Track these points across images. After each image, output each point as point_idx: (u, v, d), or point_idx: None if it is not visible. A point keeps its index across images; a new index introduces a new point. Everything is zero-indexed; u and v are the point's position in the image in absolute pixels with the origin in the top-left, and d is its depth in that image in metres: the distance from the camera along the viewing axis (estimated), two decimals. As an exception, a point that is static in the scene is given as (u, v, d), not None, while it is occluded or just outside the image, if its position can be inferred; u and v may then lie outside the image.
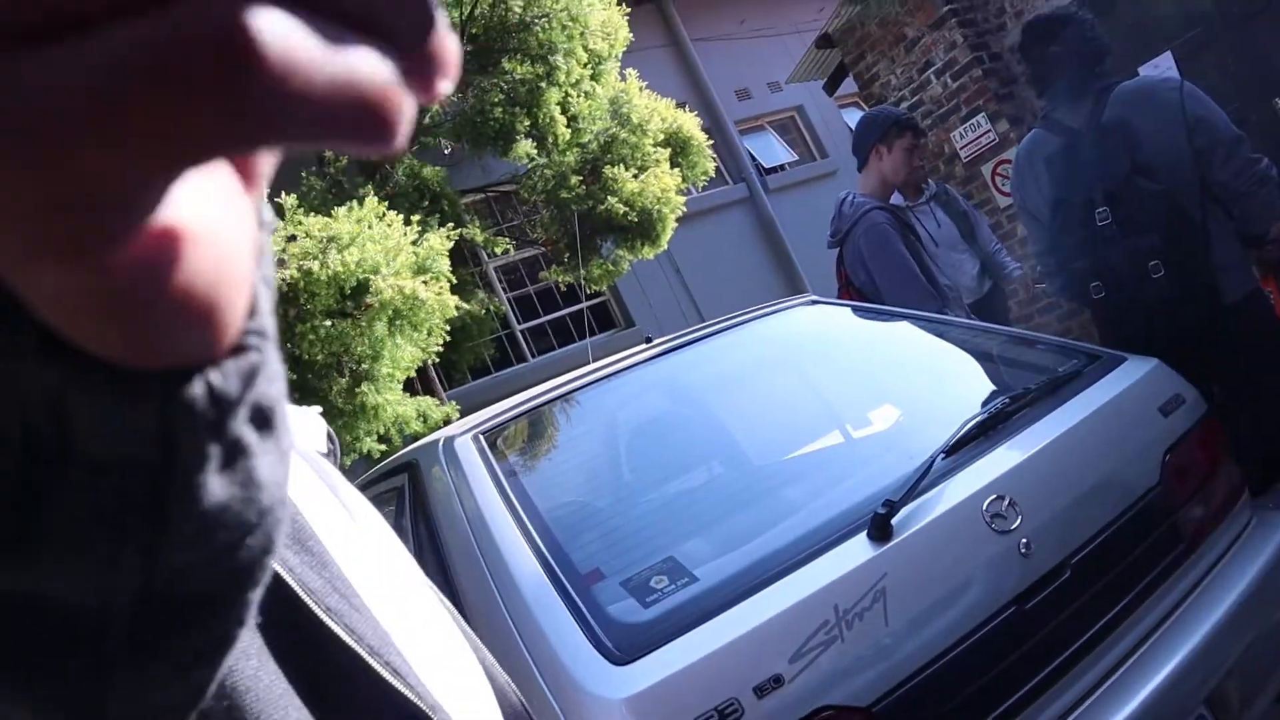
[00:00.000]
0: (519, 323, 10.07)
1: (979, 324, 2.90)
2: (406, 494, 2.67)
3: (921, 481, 1.96)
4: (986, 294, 4.94)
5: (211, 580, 0.28)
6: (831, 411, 2.88)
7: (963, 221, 4.81)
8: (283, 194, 5.00)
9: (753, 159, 11.86)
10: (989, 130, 6.52)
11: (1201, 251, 2.85)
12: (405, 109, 0.21)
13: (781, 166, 12.23)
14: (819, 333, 3.05)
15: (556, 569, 1.95)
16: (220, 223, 0.21)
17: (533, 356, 9.99)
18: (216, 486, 0.26)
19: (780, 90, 11.54)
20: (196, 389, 0.24)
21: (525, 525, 2.08)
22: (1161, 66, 6.00)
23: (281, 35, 0.18)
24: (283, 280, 4.63)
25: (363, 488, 3.38)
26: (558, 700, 1.77)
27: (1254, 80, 5.70)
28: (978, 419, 2.17)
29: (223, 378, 0.24)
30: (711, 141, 8.32)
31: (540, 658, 1.84)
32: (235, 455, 0.26)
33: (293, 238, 4.79)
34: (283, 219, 4.88)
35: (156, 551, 0.26)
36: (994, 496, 1.95)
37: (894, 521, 1.88)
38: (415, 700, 0.62)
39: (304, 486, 0.74)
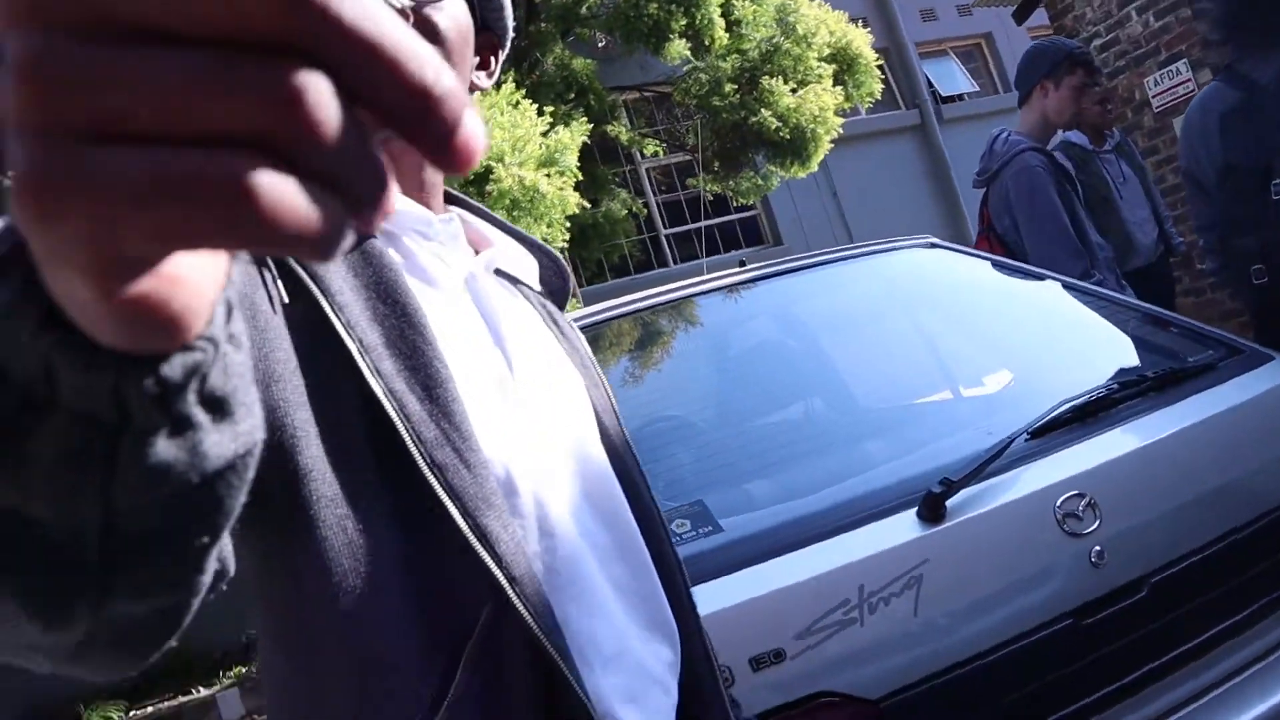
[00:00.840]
0: (665, 227, 9.91)
1: (1112, 294, 2.59)
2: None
3: (992, 462, 1.74)
4: (1158, 259, 4.51)
5: (160, 523, 0.39)
6: (930, 367, 2.65)
7: (1143, 177, 4.39)
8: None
9: (930, 85, 11.21)
10: (1188, 79, 5.91)
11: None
12: (346, 245, 0.29)
13: (960, 96, 11.52)
14: (933, 278, 2.79)
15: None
16: (198, 272, 0.29)
17: (675, 263, 9.84)
18: (162, 449, 0.36)
19: (969, 14, 10.82)
20: (147, 371, 0.34)
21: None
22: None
23: (269, 186, 0.26)
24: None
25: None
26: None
27: None
28: (1075, 401, 1.92)
29: (169, 368, 0.34)
30: (882, 62, 7.86)
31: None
32: (182, 428, 0.36)
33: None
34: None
35: (109, 490, 0.37)
36: (1073, 493, 1.72)
37: (949, 503, 1.68)
38: (493, 568, 0.73)
39: (506, 323, 0.90)
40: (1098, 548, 1.68)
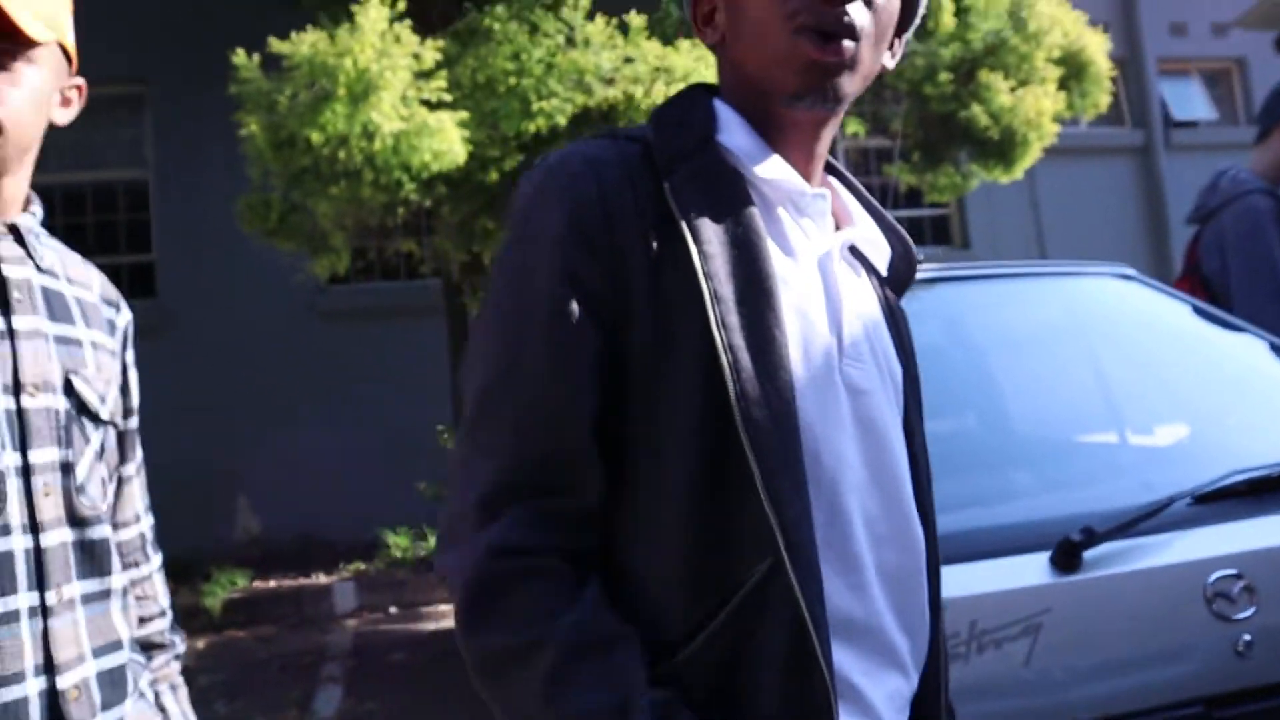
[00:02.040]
0: (851, 210, 9.67)
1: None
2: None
3: (1145, 520, 1.61)
4: None
5: None
6: (1099, 405, 2.48)
7: None
8: (634, 13, 4.92)
9: (1163, 105, 10.49)
10: None
11: None
12: None
13: (1195, 123, 10.74)
14: (1123, 312, 2.62)
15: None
16: None
17: (855, 249, 9.60)
18: None
19: (1224, 35, 10.03)
20: None
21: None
22: None
23: None
24: (605, 99, 4.60)
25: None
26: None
27: None
28: (1252, 473, 1.75)
29: None
30: (1116, 73, 7.39)
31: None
32: None
33: (629, 59, 4.74)
34: (626, 39, 4.82)
35: None
36: (1230, 572, 1.57)
37: (1088, 554, 1.56)
38: (776, 530, 0.81)
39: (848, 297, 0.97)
40: (1247, 636, 1.54)
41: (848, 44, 0.89)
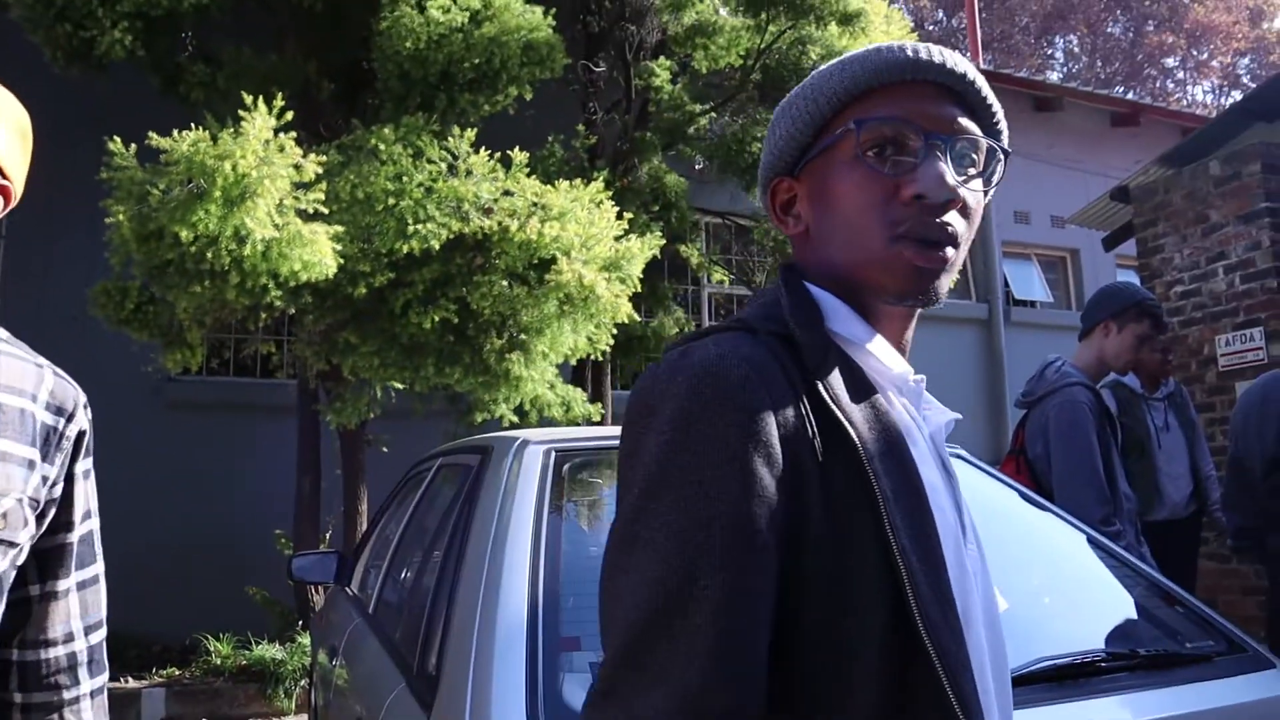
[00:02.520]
0: (712, 353, 9.93)
1: (1125, 555, 2.53)
2: (472, 475, 2.60)
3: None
4: (1188, 516, 4.43)
5: None
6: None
7: (1190, 432, 4.33)
8: (517, 149, 5.07)
9: (1005, 284, 11.26)
10: (1260, 347, 5.88)
11: None
12: None
13: (1033, 303, 11.56)
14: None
15: (540, 617, 1.81)
16: None
17: (713, 390, 9.84)
18: None
19: (1061, 228, 10.90)
20: None
21: (539, 558, 1.96)
22: None
23: None
24: (480, 228, 4.69)
25: (444, 454, 3.34)
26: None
27: None
28: (1057, 660, 1.86)
29: None
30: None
31: (478, 698, 1.71)
32: None
33: (509, 193, 4.85)
34: (507, 172, 4.93)
35: None
36: (1030, 756, 1.65)
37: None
38: None
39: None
40: (1043, 822, 1.61)
41: (949, 251, 0.92)
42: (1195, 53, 28.67)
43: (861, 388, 0.91)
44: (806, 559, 0.81)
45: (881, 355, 0.96)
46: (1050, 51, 30.09)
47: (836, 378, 0.90)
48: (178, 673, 6.52)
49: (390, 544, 3.56)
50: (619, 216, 5.06)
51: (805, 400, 0.86)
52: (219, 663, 6.47)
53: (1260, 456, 2.70)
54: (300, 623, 6.61)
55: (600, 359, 5.38)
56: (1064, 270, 12.03)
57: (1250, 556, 2.83)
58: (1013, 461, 3.51)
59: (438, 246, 4.65)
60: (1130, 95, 17.43)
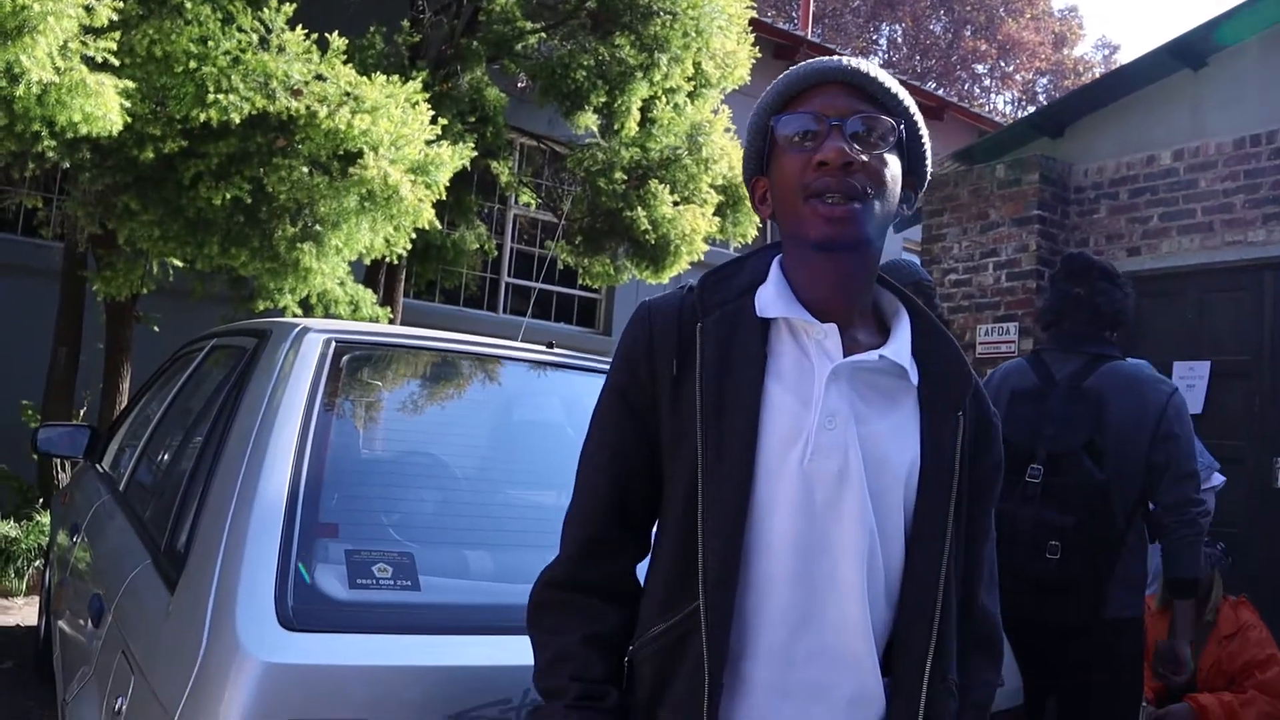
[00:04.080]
0: (509, 275, 9.92)
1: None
2: (246, 357, 2.51)
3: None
4: None
5: None
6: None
7: None
8: (336, 33, 4.84)
9: (801, 250, 11.72)
10: (1013, 340, 6.41)
11: (1107, 556, 2.70)
12: None
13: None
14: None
15: (300, 502, 1.79)
16: None
17: (505, 312, 9.83)
18: None
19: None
20: None
21: (305, 445, 1.92)
22: (1196, 370, 5.90)
23: None
24: (286, 109, 4.47)
25: (218, 335, 3.21)
26: (212, 624, 1.60)
27: (1270, 429, 5.59)
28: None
29: None
30: (766, 212, 8.17)
31: (226, 575, 1.67)
32: None
33: (321, 77, 4.64)
34: (322, 56, 4.72)
35: None
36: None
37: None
38: (700, 581, 1.19)
39: None
40: None
41: (855, 205, 1.19)
42: (1003, 64, 30.45)
43: (744, 335, 1.25)
44: (663, 431, 1.26)
45: (784, 310, 1.25)
46: (875, 37, 31.23)
47: (719, 323, 1.26)
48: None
49: (150, 422, 3.39)
50: (433, 121, 4.94)
51: (681, 334, 1.26)
52: (-58, 535, 6.02)
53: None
54: (41, 500, 6.22)
55: (395, 262, 5.27)
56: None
57: None
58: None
59: (238, 120, 4.40)
60: (940, 92, 18.35)
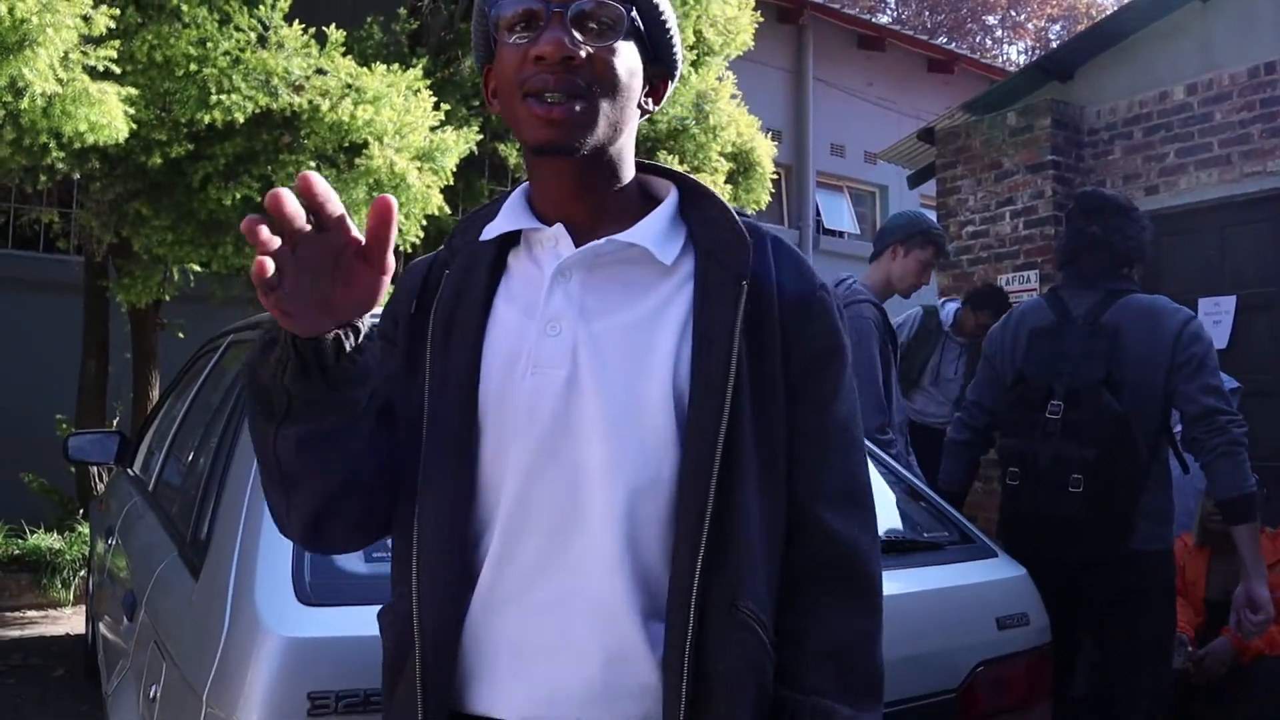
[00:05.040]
0: (529, 260, 9.93)
1: (885, 457, 2.73)
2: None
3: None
4: (943, 427, 4.89)
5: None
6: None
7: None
8: (334, 26, 4.85)
9: (817, 213, 11.67)
10: (1034, 288, 6.34)
11: (1131, 488, 2.67)
12: None
13: (841, 233, 12.04)
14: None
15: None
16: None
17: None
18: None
19: (873, 164, 11.35)
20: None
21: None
22: (1222, 306, 5.83)
23: None
24: (289, 105, 4.49)
25: (234, 331, 3.25)
26: (233, 604, 1.63)
27: (1297, 360, 5.52)
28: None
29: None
30: (777, 175, 8.14)
31: (245, 556, 1.70)
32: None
33: (321, 71, 4.66)
34: (322, 49, 4.73)
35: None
36: (773, 622, 1.79)
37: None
38: (419, 485, 1.09)
39: None
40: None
41: (577, 105, 1.04)
42: (1014, 13, 30.02)
43: (474, 267, 1.15)
44: (412, 357, 1.14)
45: (508, 224, 1.14)
46: (884, -8, 30.89)
47: (460, 262, 1.16)
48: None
49: (174, 422, 3.44)
50: (436, 107, 4.94)
51: (427, 281, 1.18)
52: (-10, 554, 6.13)
53: (1010, 369, 2.95)
54: (81, 511, 6.31)
55: (409, 251, 5.29)
56: (872, 205, 12.55)
57: (964, 458, 3.15)
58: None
59: (242, 120, 4.43)
60: (952, 46, 18.12)
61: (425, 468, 1.08)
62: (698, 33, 6.62)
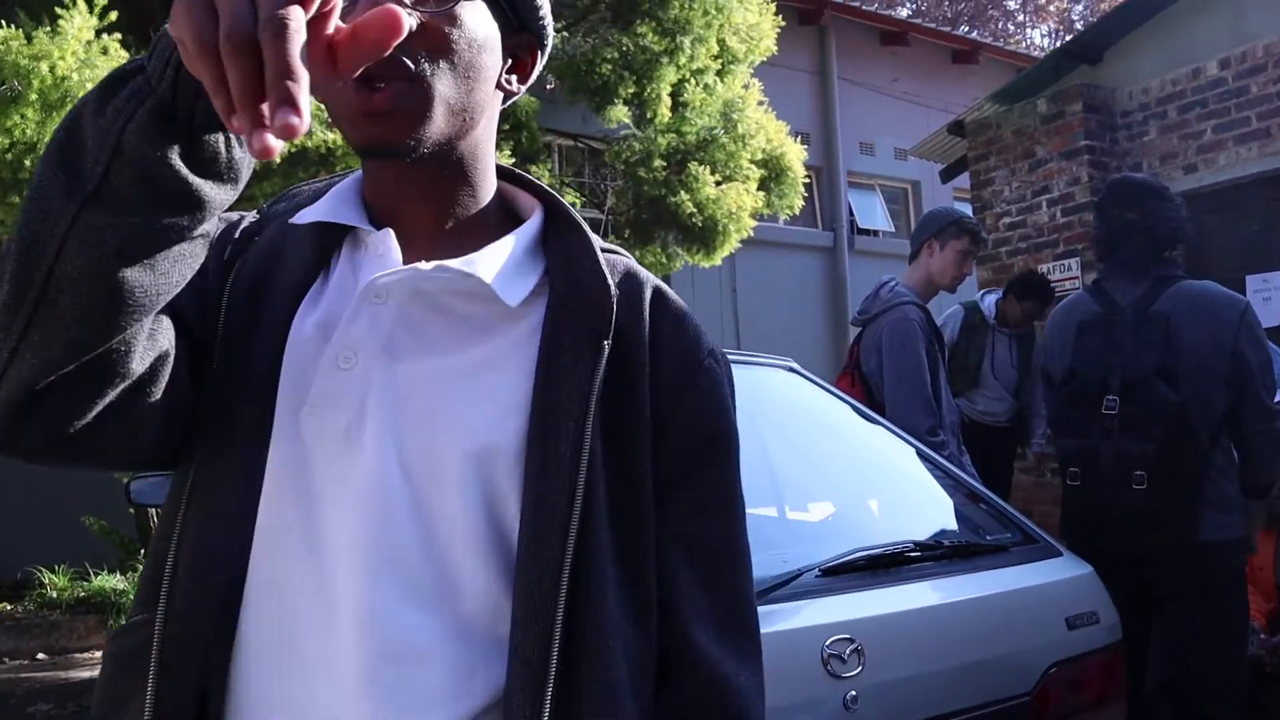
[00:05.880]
0: (565, 277, 9.95)
1: (941, 460, 2.72)
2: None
3: (776, 590, 1.81)
4: (1007, 425, 4.86)
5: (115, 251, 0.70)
6: (761, 483, 2.73)
7: (1025, 371, 4.80)
8: (363, 61, 4.91)
9: (850, 213, 11.62)
10: (1076, 275, 6.28)
11: (1194, 479, 2.65)
12: None
13: (876, 232, 11.98)
14: (786, 401, 2.89)
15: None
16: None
17: (565, 314, 9.88)
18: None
19: (904, 160, 11.29)
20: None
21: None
22: (1271, 282, 5.73)
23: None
24: (324, 141, 4.56)
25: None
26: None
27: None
28: (871, 551, 2.01)
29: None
30: (811, 179, 8.13)
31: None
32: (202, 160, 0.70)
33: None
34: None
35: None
36: (843, 636, 1.80)
37: (727, 618, 1.73)
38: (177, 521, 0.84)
39: None
40: (854, 692, 1.76)
41: (400, 85, 0.79)
42: (1035, -4, 29.75)
43: (293, 243, 0.91)
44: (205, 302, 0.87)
45: (327, 214, 0.88)
46: (901, -13, 30.74)
47: (267, 238, 0.92)
48: (9, 607, 6.27)
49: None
50: (468, 135, 4.98)
51: (239, 236, 0.92)
52: (55, 595, 6.25)
53: (1060, 365, 2.93)
54: (141, 551, 6.42)
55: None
56: (905, 201, 12.48)
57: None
58: (848, 377, 3.69)
59: (278, 160, 4.49)
60: (974, 34, 18.00)
61: (202, 466, 0.84)
62: (721, 41, 6.63)
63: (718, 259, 6.95)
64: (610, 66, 6.07)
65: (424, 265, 0.84)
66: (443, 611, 0.81)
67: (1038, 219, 6.56)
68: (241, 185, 0.73)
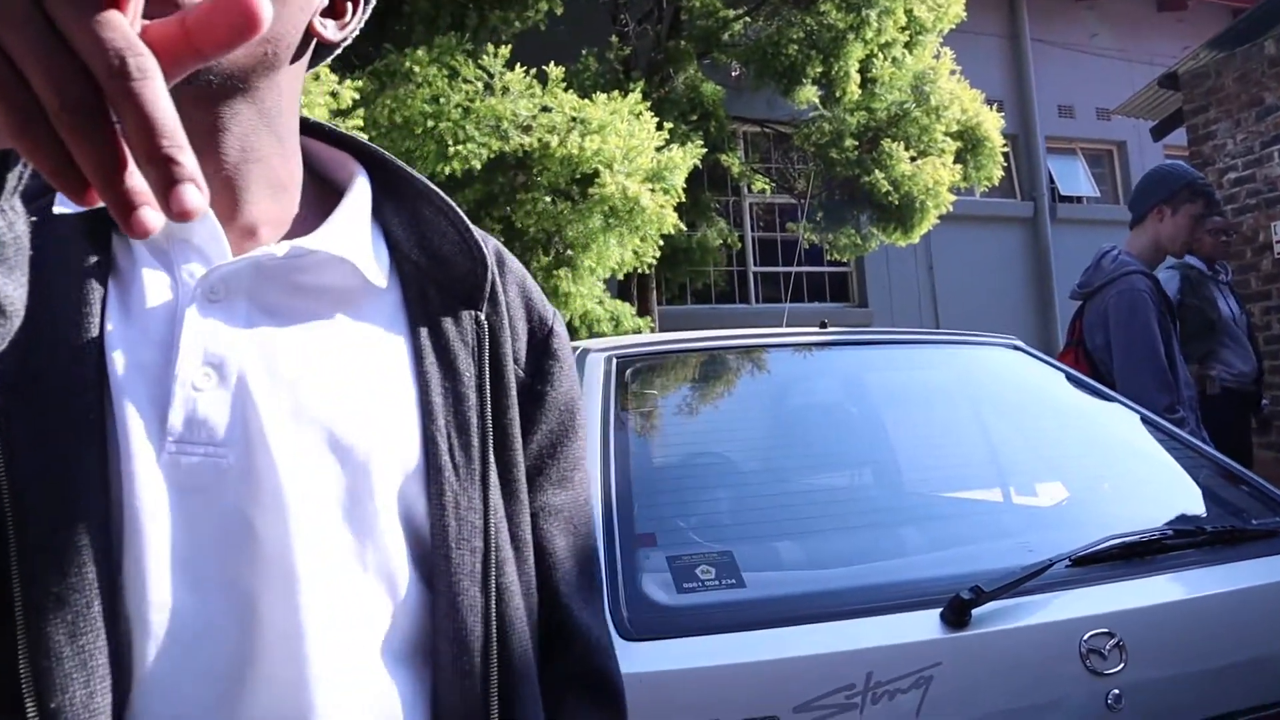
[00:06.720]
0: (755, 264, 9.91)
1: (1187, 438, 2.53)
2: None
3: (1028, 581, 1.71)
4: (1253, 389, 4.48)
5: None
6: (986, 466, 2.61)
7: (1246, 319, 4.37)
8: (552, 64, 5.02)
9: (1050, 181, 11.05)
10: (1317, 232, 5.76)
11: None
12: None
13: (1079, 198, 11.34)
14: (1010, 380, 2.76)
15: (615, 515, 1.84)
16: None
17: (757, 301, 9.83)
18: None
19: (1107, 120, 10.64)
20: None
21: (609, 461, 1.98)
22: None
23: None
24: (520, 145, 4.68)
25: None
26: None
27: None
28: (1125, 538, 1.87)
29: None
30: (1007, 148, 7.78)
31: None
32: None
33: (546, 108, 4.82)
34: (544, 88, 4.90)
35: None
36: (1102, 630, 1.68)
37: (976, 611, 1.65)
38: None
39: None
40: (1116, 690, 1.65)
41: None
42: (1244, -70, 27.56)
43: (57, 234, 0.66)
44: None
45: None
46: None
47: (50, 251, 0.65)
48: None
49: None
50: (659, 127, 5.02)
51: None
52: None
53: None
54: None
55: (646, 272, 5.39)
56: (1110, 164, 11.77)
57: None
58: (1071, 353, 3.50)
59: (479, 167, 4.65)
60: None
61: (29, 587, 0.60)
62: (908, 12, 6.43)
63: (915, 236, 6.76)
64: (796, 47, 5.98)
65: (273, 247, 0.70)
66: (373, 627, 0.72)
67: (1269, 172, 6.04)
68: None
